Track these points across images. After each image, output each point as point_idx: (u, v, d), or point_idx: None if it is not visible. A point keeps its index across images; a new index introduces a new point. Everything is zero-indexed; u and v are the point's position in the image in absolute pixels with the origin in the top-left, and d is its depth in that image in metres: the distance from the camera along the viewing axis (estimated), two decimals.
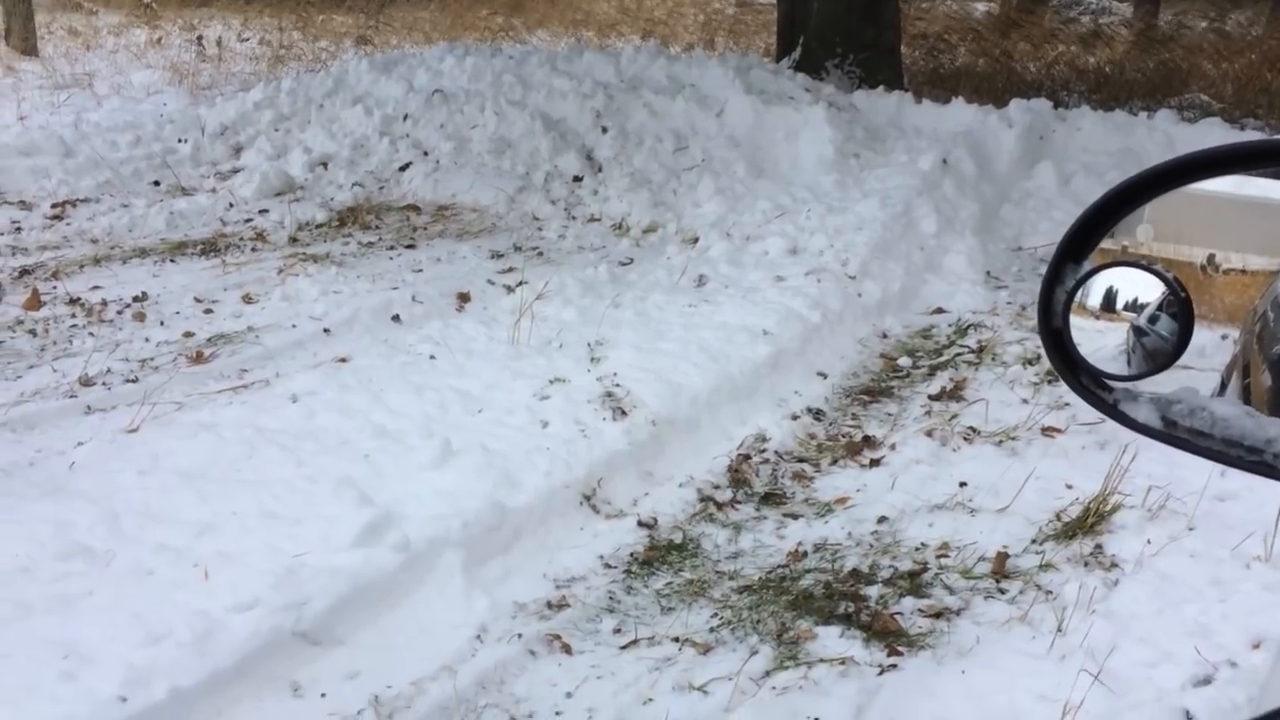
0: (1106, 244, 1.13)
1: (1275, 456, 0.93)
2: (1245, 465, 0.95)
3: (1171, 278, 1.09)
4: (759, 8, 17.29)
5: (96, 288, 5.41)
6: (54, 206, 6.90)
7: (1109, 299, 1.09)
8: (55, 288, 5.37)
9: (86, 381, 4.31)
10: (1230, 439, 0.96)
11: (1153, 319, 1.10)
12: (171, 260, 5.97)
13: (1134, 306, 1.10)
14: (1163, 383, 1.07)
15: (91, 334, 4.82)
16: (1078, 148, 7.62)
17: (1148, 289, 1.10)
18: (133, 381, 4.34)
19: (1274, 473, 0.92)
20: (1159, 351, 1.09)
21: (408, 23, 15.59)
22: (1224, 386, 1.24)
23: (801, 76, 8.77)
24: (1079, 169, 7.22)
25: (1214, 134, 7.76)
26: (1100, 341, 1.08)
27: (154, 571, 3.11)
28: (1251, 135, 8.25)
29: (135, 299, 5.26)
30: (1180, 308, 1.08)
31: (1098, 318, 1.09)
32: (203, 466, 3.66)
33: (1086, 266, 1.06)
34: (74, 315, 5.06)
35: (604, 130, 7.76)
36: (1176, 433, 1.00)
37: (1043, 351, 1.13)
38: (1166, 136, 7.60)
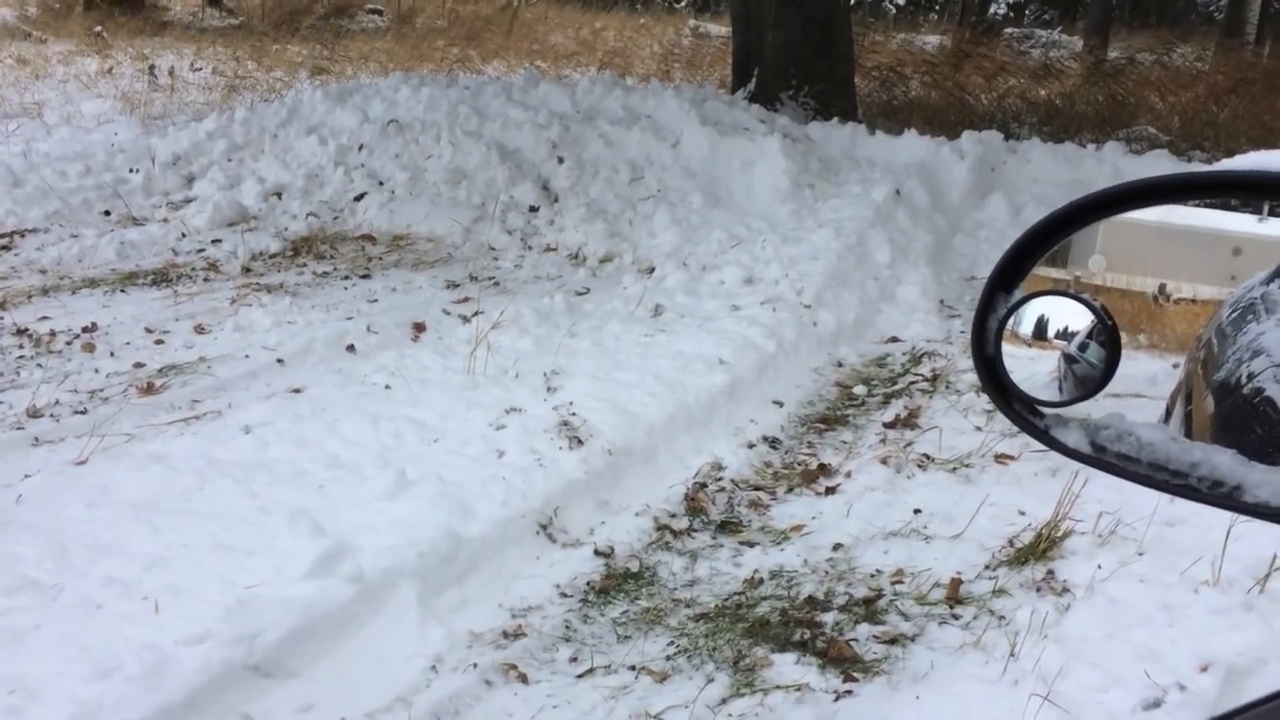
0: (1059, 275, 1.15)
1: (1199, 480, 0.95)
2: (1171, 489, 0.97)
3: (1099, 306, 1.12)
4: (715, 39, 17.46)
5: (45, 318, 5.34)
6: (1, 237, 6.82)
7: (1040, 327, 1.12)
8: (2, 318, 5.30)
9: (34, 413, 4.25)
10: (1155, 463, 0.98)
11: (1082, 346, 1.12)
12: (122, 290, 5.91)
13: (1065, 334, 1.13)
14: (1098, 409, 1.10)
15: (39, 365, 4.75)
16: (1028, 179, 7.76)
17: (1077, 317, 1.13)
18: (82, 413, 4.28)
19: (1198, 495, 0.94)
20: (1088, 378, 1.11)
21: (363, 53, 15.56)
22: (1168, 414, 1.26)
23: (756, 108, 8.87)
24: (1030, 200, 7.34)
25: (1161, 166, 7.91)
26: (1032, 368, 1.10)
27: (103, 605, 3.06)
28: (1196, 167, 8.41)
29: (85, 329, 5.20)
30: (1108, 335, 1.11)
31: (1030, 345, 1.11)
32: (153, 498, 3.62)
33: (1018, 295, 1.09)
34: (21, 346, 4.99)
35: (560, 161, 7.79)
36: (1105, 457, 1.02)
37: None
38: (1114, 168, 7.75)
